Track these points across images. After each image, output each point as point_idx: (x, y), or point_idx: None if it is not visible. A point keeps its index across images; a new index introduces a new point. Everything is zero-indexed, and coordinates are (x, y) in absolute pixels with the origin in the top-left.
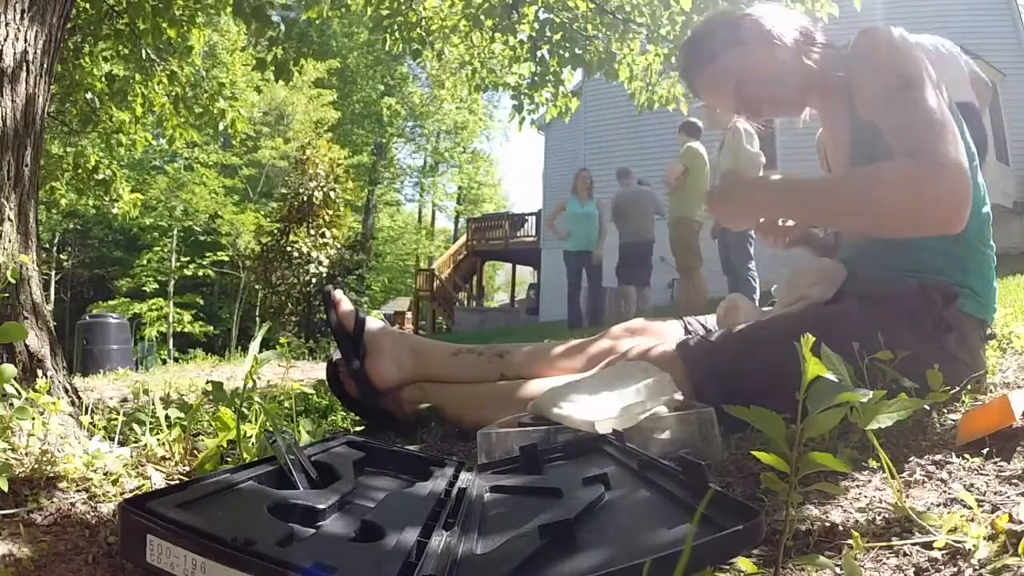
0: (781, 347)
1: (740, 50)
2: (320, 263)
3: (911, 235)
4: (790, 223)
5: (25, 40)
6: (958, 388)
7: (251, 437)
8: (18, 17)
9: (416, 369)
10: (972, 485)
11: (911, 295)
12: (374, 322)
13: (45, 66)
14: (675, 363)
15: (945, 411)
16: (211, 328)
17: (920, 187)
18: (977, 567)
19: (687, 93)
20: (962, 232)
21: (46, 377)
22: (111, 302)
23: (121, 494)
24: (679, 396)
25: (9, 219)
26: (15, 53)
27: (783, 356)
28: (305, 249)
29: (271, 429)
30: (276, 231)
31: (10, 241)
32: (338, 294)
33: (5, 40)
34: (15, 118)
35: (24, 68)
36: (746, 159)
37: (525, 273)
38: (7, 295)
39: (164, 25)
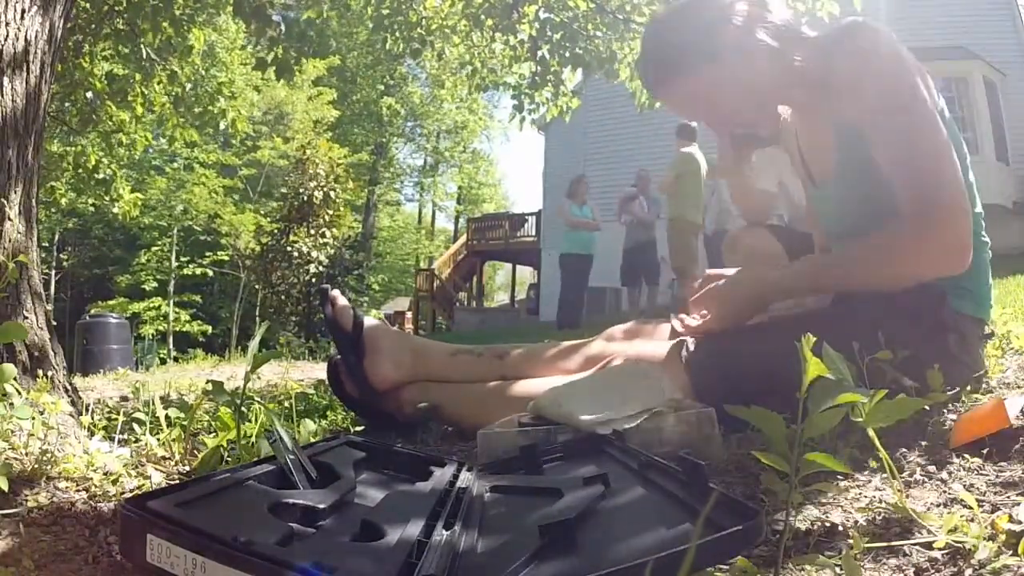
0: (782, 346)
1: (713, 65)
2: (320, 263)
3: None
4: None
5: (26, 38)
6: (958, 388)
7: (251, 437)
8: (18, 16)
9: (415, 369)
10: (972, 485)
11: (909, 294)
12: (372, 321)
13: (47, 63)
14: (674, 361)
15: (945, 411)
16: (211, 328)
17: (925, 251)
18: (977, 567)
19: None
20: None
21: (46, 376)
22: (110, 301)
23: (121, 493)
24: (679, 396)
25: (10, 218)
26: (16, 50)
27: (784, 355)
28: (305, 249)
29: (271, 429)
30: (276, 231)
31: (11, 239)
32: (335, 293)
33: (7, 37)
34: (16, 115)
35: (26, 65)
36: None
37: (525, 273)
38: (7, 294)
39: (164, 24)
